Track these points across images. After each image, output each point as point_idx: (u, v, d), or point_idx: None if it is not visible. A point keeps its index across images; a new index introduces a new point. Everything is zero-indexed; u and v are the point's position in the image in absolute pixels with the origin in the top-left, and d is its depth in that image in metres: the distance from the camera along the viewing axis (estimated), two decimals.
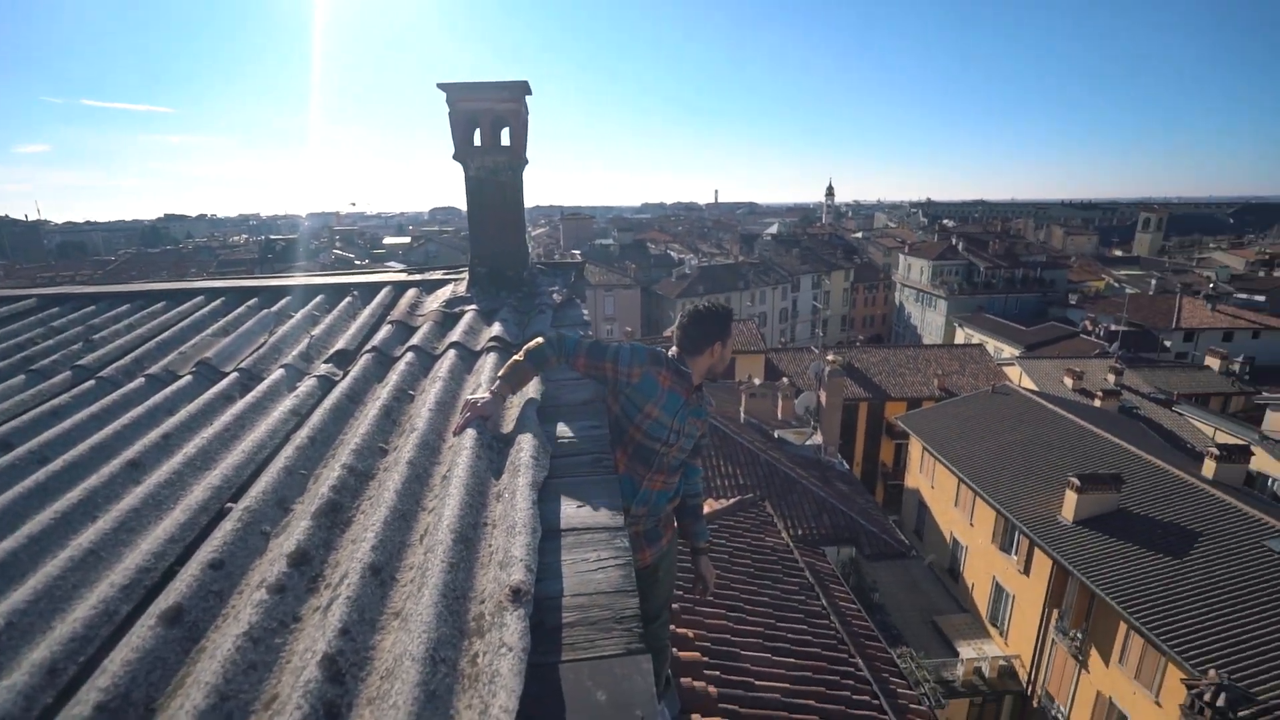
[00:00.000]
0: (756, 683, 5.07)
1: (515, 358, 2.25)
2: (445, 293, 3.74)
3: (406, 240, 78.47)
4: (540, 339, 2.28)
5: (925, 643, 16.03)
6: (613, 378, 2.27)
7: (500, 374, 2.25)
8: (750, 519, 9.56)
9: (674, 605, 4.86)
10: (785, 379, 25.51)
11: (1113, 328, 35.92)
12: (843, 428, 25.66)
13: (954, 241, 56.53)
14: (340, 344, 3.03)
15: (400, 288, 3.96)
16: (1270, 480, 19.46)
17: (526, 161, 3.67)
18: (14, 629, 1.30)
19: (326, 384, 2.62)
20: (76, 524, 1.70)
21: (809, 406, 23.57)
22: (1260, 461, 19.28)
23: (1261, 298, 44.94)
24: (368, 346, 2.94)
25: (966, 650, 16.33)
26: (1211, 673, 9.68)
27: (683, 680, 3.57)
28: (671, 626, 4.14)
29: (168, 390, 2.59)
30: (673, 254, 67.62)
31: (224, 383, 2.64)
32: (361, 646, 1.26)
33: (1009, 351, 36.35)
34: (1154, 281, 51.47)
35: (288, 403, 2.40)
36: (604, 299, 47.93)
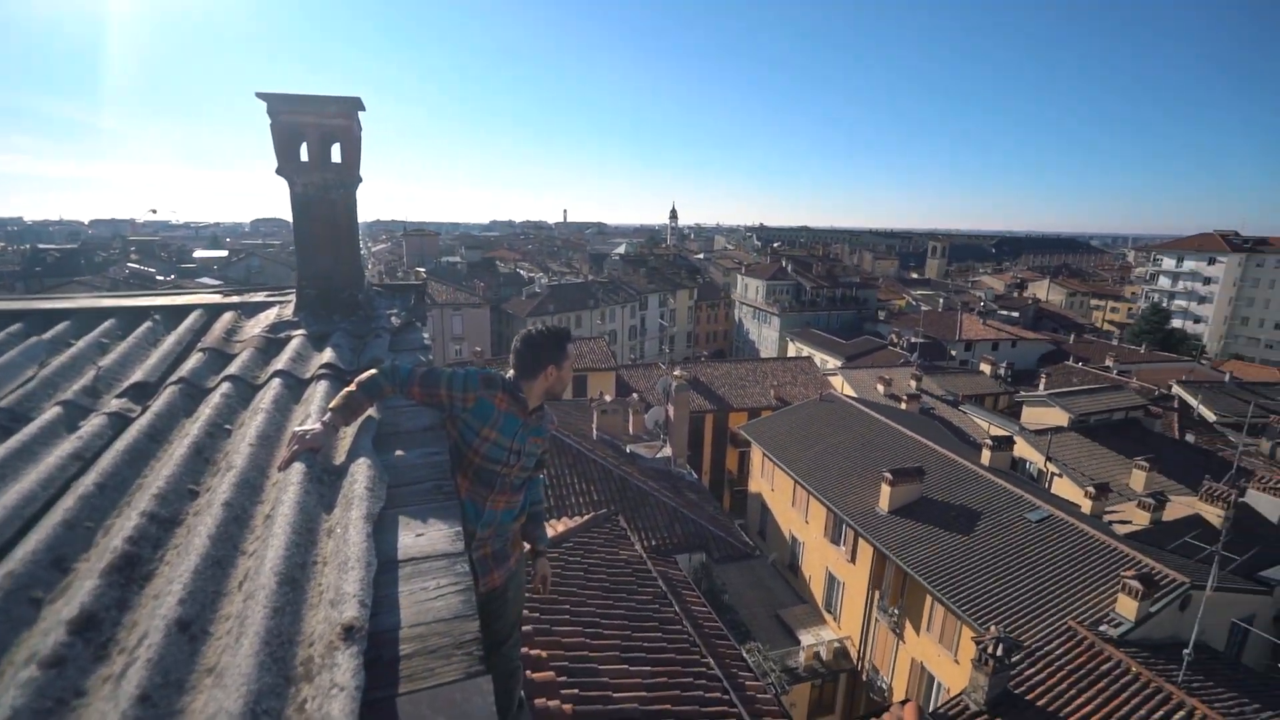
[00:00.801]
0: (614, 695, 5.17)
1: (348, 388, 2.18)
2: (269, 316, 3.44)
3: (223, 254, 70.05)
4: (374, 369, 2.23)
5: (771, 635, 17.20)
6: (448, 404, 2.28)
7: (332, 405, 2.15)
8: (605, 534, 9.70)
9: (528, 627, 4.81)
10: (635, 395, 26.27)
11: (912, 340, 41.41)
12: (690, 439, 26.92)
13: (784, 264, 61.92)
14: (138, 375, 2.68)
15: (214, 310, 3.56)
16: (1028, 463, 23.48)
17: (360, 180, 3.50)
18: None
19: (120, 422, 2.30)
20: None
21: (658, 420, 24.46)
22: (1020, 449, 23.21)
23: (1016, 313, 54.54)
24: (174, 378, 2.63)
25: (806, 638, 17.75)
26: (992, 628, 11.43)
27: (537, 701, 3.56)
28: (524, 648, 4.11)
29: None
30: (522, 272, 67.04)
31: None
32: (166, 713, 1.14)
33: (832, 363, 40.45)
34: (941, 300, 60.29)
35: (67, 446, 2.08)
36: (452, 318, 46.22)
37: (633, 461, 19.65)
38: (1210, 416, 31.20)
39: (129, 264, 54.78)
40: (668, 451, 21.36)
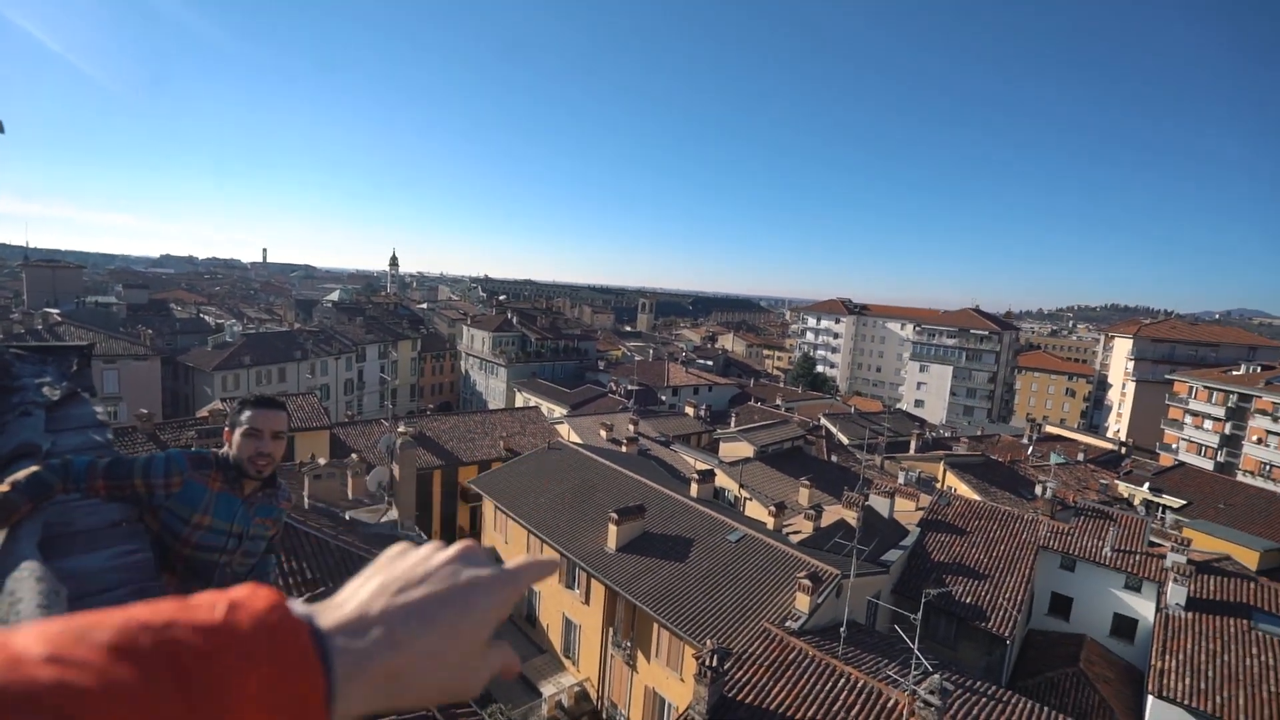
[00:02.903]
0: None
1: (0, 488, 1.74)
2: None
3: None
4: (37, 467, 1.82)
5: (511, 693, 16.77)
6: (146, 494, 1.99)
7: None
8: None
9: None
10: (355, 455, 23.87)
11: (629, 387, 45.38)
12: (419, 498, 25.34)
13: (510, 315, 63.00)
14: None
15: None
16: (726, 491, 27.36)
17: None
18: None
19: None
20: None
21: (382, 481, 22.56)
22: (720, 479, 26.97)
23: (710, 362, 63.78)
24: None
25: (548, 688, 17.72)
26: (709, 642, 12.95)
27: None
28: None
29: None
30: (208, 318, 56.51)
31: None
32: None
33: (559, 411, 42.08)
34: (651, 351, 67.59)
35: None
36: (104, 373, 36.54)
37: (354, 529, 17.69)
38: (845, 440, 40.28)
39: None
40: (394, 514, 19.76)
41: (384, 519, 19.31)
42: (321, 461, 20.76)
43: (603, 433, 32.98)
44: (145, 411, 26.16)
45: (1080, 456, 39.11)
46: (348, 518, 18.52)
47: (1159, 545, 21.41)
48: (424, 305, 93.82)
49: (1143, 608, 20.70)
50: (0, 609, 1.54)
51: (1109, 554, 21.32)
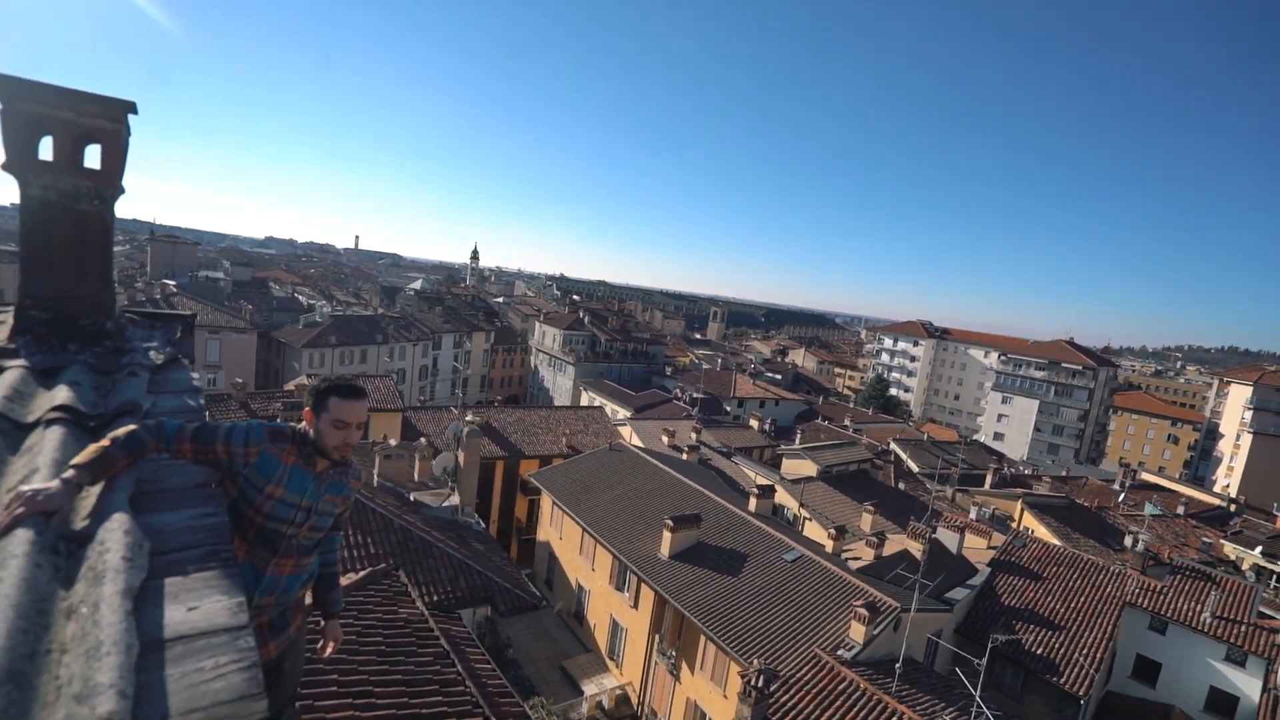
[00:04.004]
0: None
1: (100, 442, 1.85)
2: None
3: None
4: (134, 426, 1.93)
5: (556, 688, 16.94)
6: (227, 460, 2.07)
7: (76, 460, 1.79)
8: (382, 591, 8.94)
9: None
10: (424, 439, 24.81)
11: (694, 395, 45.11)
12: (480, 486, 26.02)
13: (582, 315, 64.02)
14: None
15: None
16: (785, 509, 26.69)
17: (122, 191, 3.00)
18: None
19: None
20: None
21: (446, 467, 23.32)
22: (780, 496, 26.33)
23: (779, 376, 62.54)
24: None
25: (590, 687, 17.78)
26: (755, 662, 12.62)
27: None
28: None
29: None
30: (301, 298, 60.24)
31: None
32: None
33: (622, 413, 42.33)
34: (720, 360, 66.96)
35: None
36: (208, 342, 39.66)
37: (417, 511, 18.37)
38: (915, 468, 38.52)
39: None
40: (455, 500, 20.37)
41: (445, 503, 19.95)
42: (392, 442, 21.67)
43: (665, 438, 32.92)
44: (240, 381, 28.18)
45: (1180, 510, 35.80)
46: (412, 499, 19.26)
47: (1271, 618, 19.26)
48: (500, 299, 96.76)
49: (1246, 684, 18.67)
50: (90, 556, 1.64)
51: (1209, 620, 19.36)
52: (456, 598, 14.66)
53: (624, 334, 63.90)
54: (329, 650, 2.78)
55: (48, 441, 2.04)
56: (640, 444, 30.74)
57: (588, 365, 56.49)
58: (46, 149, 2.82)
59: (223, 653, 1.47)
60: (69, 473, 1.75)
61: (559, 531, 23.20)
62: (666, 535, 18.19)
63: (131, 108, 2.91)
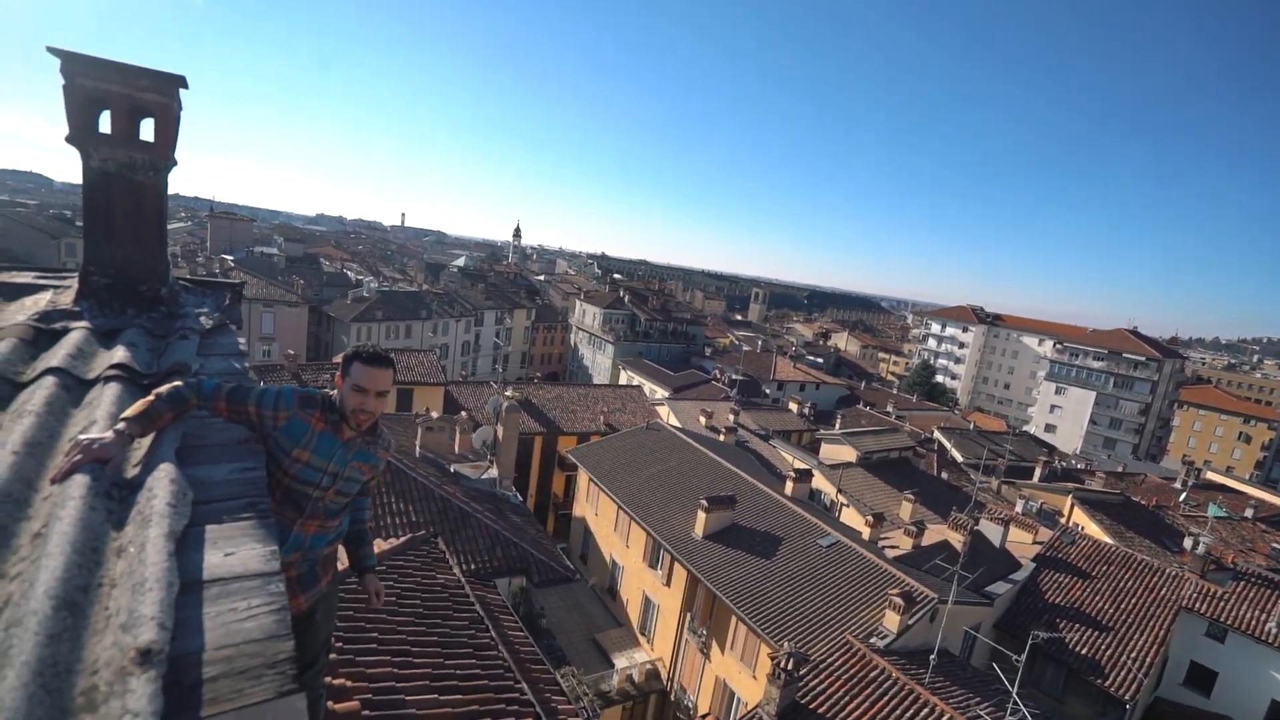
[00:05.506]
0: None
1: (148, 397, 1.99)
2: (38, 302, 2.91)
3: None
4: (178, 382, 2.07)
5: (587, 659, 17.33)
6: (257, 421, 2.18)
7: (127, 413, 1.94)
8: (421, 557, 9.27)
9: (332, 655, 4.49)
10: (464, 413, 25.41)
11: (733, 376, 44.83)
12: (518, 460, 26.56)
13: (622, 294, 64.07)
14: None
15: None
16: (822, 494, 26.42)
17: (175, 163, 3.15)
18: None
19: None
20: None
21: (486, 440, 23.86)
22: (818, 480, 26.07)
23: (820, 360, 61.52)
24: None
25: (621, 661, 18.14)
26: (786, 645, 12.64)
27: None
28: (327, 678, 3.84)
29: None
30: (350, 274, 62.04)
31: None
32: None
33: (660, 392, 42.42)
34: (760, 342, 66.22)
35: None
36: (262, 316, 41.34)
37: (456, 481, 18.92)
38: (959, 458, 37.53)
39: None
40: (494, 473, 20.88)
41: (484, 475, 20.47)
42: (434, 415, 22.28)
43: (702, 419, 32.90)
44: (292, 353, 29.34)
45: (1249, 513, 33.95)
46: (452, 470, 19.82)
47: None
48: (541, 277, 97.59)
49: None
50: (139, 501, 1.75)
51: (1274, 630, 18.43)
52: (493, 567, 15.11)
53: (664, 314, 63.76)
54: (379, 600, 2.87)
55: (105, 397, 2.19)
56: (678, 424, 30.80)
57: (627, 344, 56.66)
58: (104, 123, 2.98)
59: (255, 595, 1.56)
60: (121, 424, 1.89)
61: (595, 508, 23.55)
62: (701, 515, 18.27)
63: (182, 82, 3.04)
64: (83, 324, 2.71)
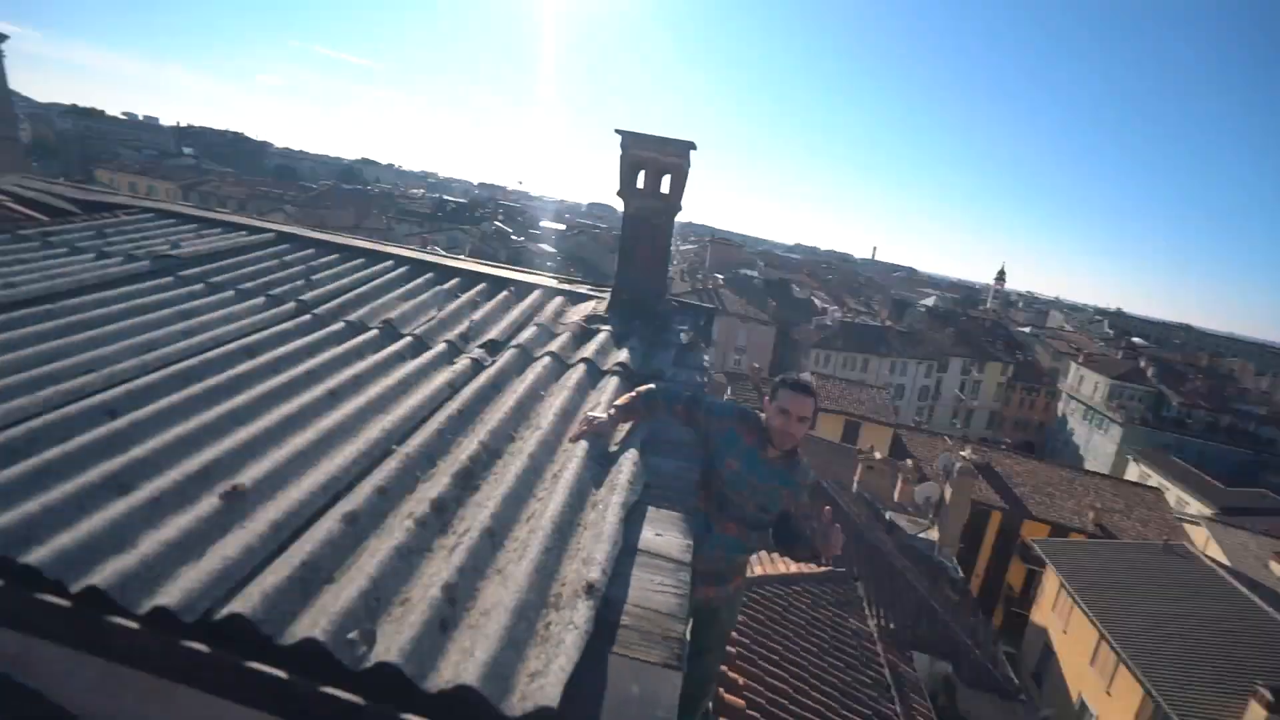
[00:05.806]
0: None
1: (633, 393, 2.60)
2: (586, 308, 4.18)
3: (561, 227, 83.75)
4: (653, 385, 2.64)
5: None
6: (704, 428, 2.54)
7: (618, 401, 2.60)
8: (837, 593, 9.17)
9: (733, 649, 4.90)
10: (911, 460, 23.97)
11: None
12: (967, 531, 23.55)
13: (1143, 364, 49.90)
14: (492, 333, 3.46)
15: (549, 293, 4.44)
16: None
17: (680, 209, 4.15)
18: (257, 493, 1.80)
19: (477, 367, 3.01)
20: (291, 430, 2.20)
21: (930, 497, 21.94)
22: None
23: None
24: (514, 342, 3.34)
25: None
26: None
27: None
28: (724, 667, 4.22)
29: (359, 339, 3.11)
30: (817, 301, 65.74)
31: (399, 344, 3.12)
32: (471, 586, 1.61)
33: (1196, 508, 31.23)
34: None
35: (445, 375, 2.84)
36: (738, 330, 47.78)
37: (890, 531, 18.01)
38: None
39: (495, 222, 71.76)
40: (934, 535, 19.06)
41: (922, 535, 18.90)
42: (878, 455, 21.70)
43: (1276, 566, 22.69)
44: (757, 365, 33.03)
45: None
46: (888, 517, 18.95)
47: None
48: (1027, 329, 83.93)
49: None
50: (612, 473, 2.27)
51: None
52: (912, 638, 13.80)
53: (1214, 400, 46.82)
54: (832, 550, 2.41)
55: (609, 385, 3.04)
56: (1220, 557, 22.13)
57: (1145, 431, 43.64)
58: (639, 179, 4.16)
59: (667, 576, 1.87)
60: (613, 410, 2.54)
61: (1064, 623, 18.90)
62: (1257, 709, 12.21)
63: (692, 145, 4.01)
64: (607, 328, 3.79)
